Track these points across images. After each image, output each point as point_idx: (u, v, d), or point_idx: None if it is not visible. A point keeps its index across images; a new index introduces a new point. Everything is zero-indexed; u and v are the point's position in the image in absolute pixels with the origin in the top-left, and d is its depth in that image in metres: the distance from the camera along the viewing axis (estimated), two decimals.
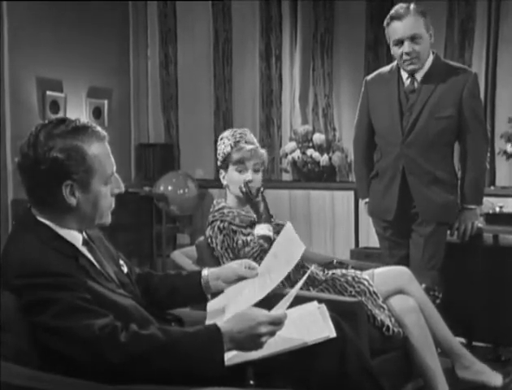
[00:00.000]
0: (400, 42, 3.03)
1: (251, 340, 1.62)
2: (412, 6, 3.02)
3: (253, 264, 2.04)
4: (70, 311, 1.58)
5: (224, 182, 2.74)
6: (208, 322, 1.89)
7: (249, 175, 2.67)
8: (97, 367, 1.55)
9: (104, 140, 1.74)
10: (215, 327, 1.62)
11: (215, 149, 2.81)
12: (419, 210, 3.12)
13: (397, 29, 3.02)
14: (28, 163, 1.66)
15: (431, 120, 3.05)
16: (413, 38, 2.99)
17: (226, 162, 2.70)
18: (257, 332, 1.61)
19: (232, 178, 2.69)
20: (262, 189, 2.66)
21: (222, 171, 2.74)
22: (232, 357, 1.66)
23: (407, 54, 3.01)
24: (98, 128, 1.73)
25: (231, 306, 1.93)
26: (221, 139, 2.75)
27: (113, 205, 1.79)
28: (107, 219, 1.79)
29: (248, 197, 2.63)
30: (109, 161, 1.74)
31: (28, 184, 1.70)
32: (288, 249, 2.11)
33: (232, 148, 2.68)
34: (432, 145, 3.08)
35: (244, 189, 2.63)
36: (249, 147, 2.69)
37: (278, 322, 1.64)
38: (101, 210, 1.75)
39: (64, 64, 5.47)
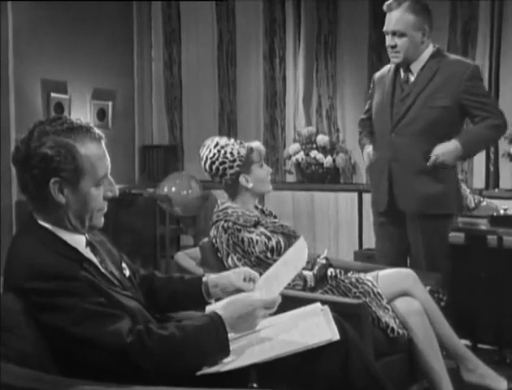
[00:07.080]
0: (387, 33, 3.05)
1: (247, 323, 1.74)
2: (408, 1, 2.97)
3: (254, 274, 1.96)
4: (86, 317, 1.59)
5: (250, 185, 2.69)
6: None
7: (266, 167, 2.77)
8: (126, 372, 1.58)
9: (99, 142, 1.70)
10: (217, 316, 1.70)
11: None
12: (401, 201, 3.07)
13: (386, 20, 3.05)
14: (19, 157, 1.67)
15: (424, 109, 3.02)
16: (394, 33, 3.00)
17: (248, 164, 2.68)
18: (253, 317, 1.74)
19: (259, 175, 2.71)
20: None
21: (243, 176, 2.68)
22: (235, 361, 1.66)
23: (390, 46, 3.04)
24: (95, 129, 1.70)
25: None
26: (222, 148, 2.66)
27: (105, 209, 1.75)
28: (98, 222, 1.74)
29: None
30: (102, 163, 1.70)
31: (19, 178, 1.70)
32: (296, 257, 2.12)
33: (246, 148, 2.69)
34: (424, 134, 3.03)
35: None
36: (255, 143, 2.75)
37: (272, 307, 1.77)
38: (91, 211, 1.70)
39: (68, 66, 5.48)
